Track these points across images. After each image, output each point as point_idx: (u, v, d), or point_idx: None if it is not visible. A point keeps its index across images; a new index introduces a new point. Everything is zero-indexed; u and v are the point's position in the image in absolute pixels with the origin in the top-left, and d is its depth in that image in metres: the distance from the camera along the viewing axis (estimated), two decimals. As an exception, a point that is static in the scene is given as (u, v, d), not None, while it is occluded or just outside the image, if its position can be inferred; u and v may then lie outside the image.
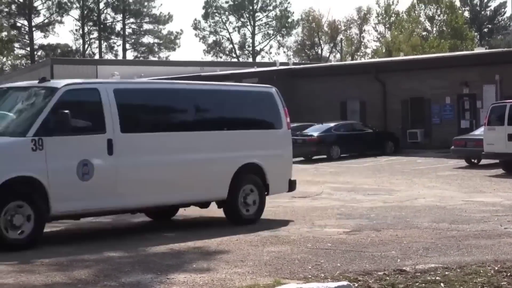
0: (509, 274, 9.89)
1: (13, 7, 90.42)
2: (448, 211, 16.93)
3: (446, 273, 9.98)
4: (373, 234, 13.72)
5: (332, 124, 37.72)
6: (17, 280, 10.02)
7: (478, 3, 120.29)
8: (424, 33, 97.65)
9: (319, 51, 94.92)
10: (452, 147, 30.87)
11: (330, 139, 36.22)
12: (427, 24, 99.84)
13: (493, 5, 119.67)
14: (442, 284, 9.32)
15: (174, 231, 14.83)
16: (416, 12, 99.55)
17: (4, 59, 71.63)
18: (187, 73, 50.68)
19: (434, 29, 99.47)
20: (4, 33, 58.01)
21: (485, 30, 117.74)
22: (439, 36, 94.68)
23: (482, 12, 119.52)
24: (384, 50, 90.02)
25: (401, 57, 55.99)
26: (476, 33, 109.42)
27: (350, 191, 22.03)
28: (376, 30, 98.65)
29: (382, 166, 31.48)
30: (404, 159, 34.25)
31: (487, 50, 48.15)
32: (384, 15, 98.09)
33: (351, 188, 22.86)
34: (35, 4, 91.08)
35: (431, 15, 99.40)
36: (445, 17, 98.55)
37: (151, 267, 10.77)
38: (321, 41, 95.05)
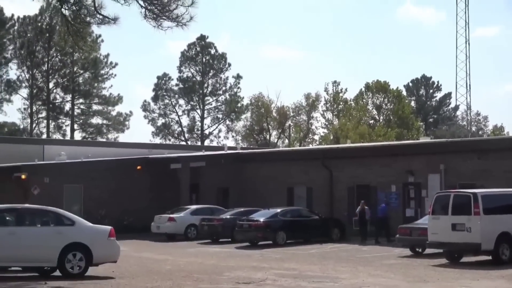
0: None
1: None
2: (392, 301, 16.85)
3: None
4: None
5: (278, 210, 37.62)
6: None
7: (424, 94, 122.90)
8: (372, 121, 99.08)
9: (268, 137, 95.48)
10: (397, 235, 30.96)
11: (276, 225, 36.05)
12: (375, 113, 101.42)
13: (438, 96, 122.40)
14: None
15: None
16: (364, 100, 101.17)
17: (-52, 137, 70.54)
18: (134, 155, 50.46)
19: (381, 117, 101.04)
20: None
21: (431, 120, 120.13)
22: (386, 124, 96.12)
23: (428, 103, 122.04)
24: (332, 137, 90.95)
25: (348, 145, 56.63)
26: (422, 123, 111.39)
27: (295, 278, 21.83)
28: (324, 117, 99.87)
29: (327, 253, 31.39)
30: (350, 246, 34.25)
31: (432, 140, 48.78)
32: (333, 103, 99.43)
33: (296, 275, 22.66)
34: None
35: (378, 104, 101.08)
36: (392, 106, 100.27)
37: None
38: (269, 126, 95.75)
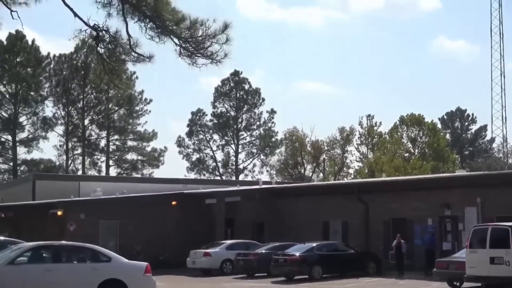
0: None
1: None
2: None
3: None
4: None
5: (314, 244, 37.40)
6: None
7: (459, 126, 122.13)
8: (407, 154, 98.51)
9: (302, 171, 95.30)
10: (435, 269, 30.63)
11: (312, 259, 35.80)
12: (410, 146, 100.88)
13: (473, 128, 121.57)
14: None
15: None
16: (399, 133, 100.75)
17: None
18: (169, 191, 50.60)
19: (416, 150, 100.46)
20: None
21: (466, 152, 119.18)
22: (421, 157, 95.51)
23: (463, 135, 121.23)
24: (366, 171, 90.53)
25: (384, 178, 56.31)
26: (457, 156, 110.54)
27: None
28: (359, 151, 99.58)
29: (364, 287, 31.09)
30: (386, 280, 33.90)
31: (469, 173, 48.41)
32: (367, 136, 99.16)
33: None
34: (20, 120, 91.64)
35: (413, 136, 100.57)
36: (427, 139, 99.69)
37: None
38: (304, 160, 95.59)
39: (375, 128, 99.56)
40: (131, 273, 21.78)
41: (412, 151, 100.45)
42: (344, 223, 43.69)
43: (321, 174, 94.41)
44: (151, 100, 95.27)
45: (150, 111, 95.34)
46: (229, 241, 42.91)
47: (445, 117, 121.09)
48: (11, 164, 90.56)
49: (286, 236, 43.09)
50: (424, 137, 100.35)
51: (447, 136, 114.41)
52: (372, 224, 42.03)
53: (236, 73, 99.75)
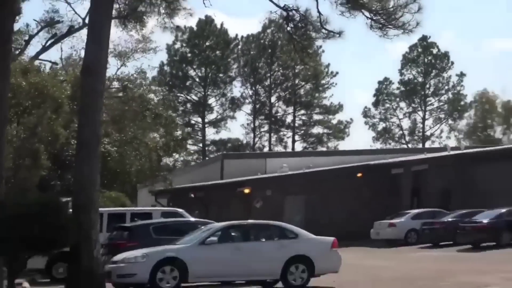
0: None
1: (188, 105, 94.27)
2: None
3: None
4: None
5: (503, 210, 36.07)
6: None
7: None
8: None
9: (492, 133, 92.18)
10: None
11: (501, 225, 34.45)
12: None
13: None
14: None
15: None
16: None
17: (177, 156, 73.91)
18: (354, 162, 50.30)
19: None
20: (179, 132, 60.00)
21: None
22: None
23: None
24: None
25: None
26: None
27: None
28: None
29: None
30: None
31: None
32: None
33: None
34: (209, 102, 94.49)
35: None
36: None
37: None
38: (494, 123, 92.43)
39: None
40: (317, 248, 21.77)
41: None
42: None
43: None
44: (337, 73, 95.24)
45: (336, 84, 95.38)
46: (415, 211, 42.30)
47: None
48: (201, 145, 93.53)
49: (475, 203, 41.56)
50: None
51: None
52: None
53: (424, 38, 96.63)
